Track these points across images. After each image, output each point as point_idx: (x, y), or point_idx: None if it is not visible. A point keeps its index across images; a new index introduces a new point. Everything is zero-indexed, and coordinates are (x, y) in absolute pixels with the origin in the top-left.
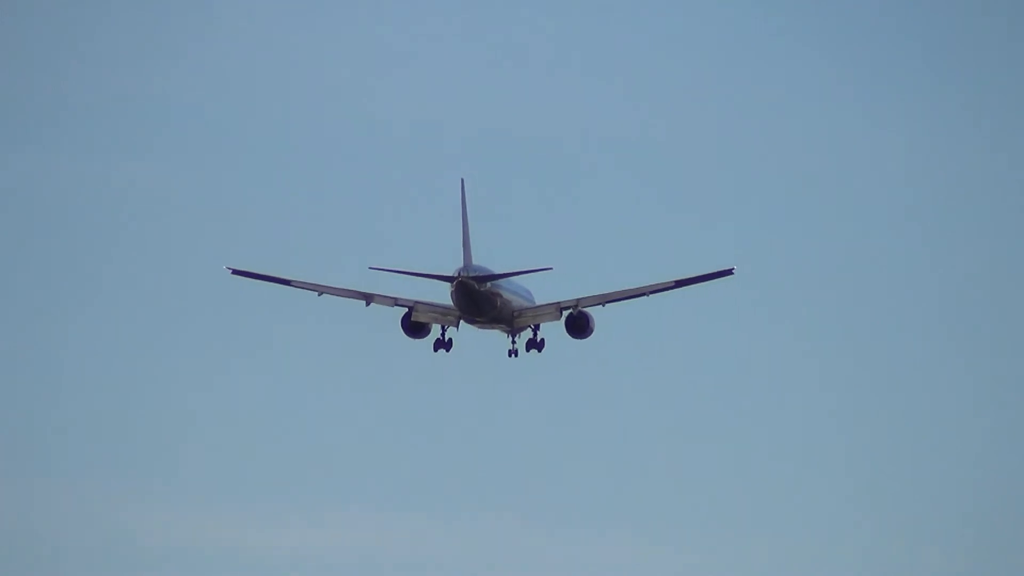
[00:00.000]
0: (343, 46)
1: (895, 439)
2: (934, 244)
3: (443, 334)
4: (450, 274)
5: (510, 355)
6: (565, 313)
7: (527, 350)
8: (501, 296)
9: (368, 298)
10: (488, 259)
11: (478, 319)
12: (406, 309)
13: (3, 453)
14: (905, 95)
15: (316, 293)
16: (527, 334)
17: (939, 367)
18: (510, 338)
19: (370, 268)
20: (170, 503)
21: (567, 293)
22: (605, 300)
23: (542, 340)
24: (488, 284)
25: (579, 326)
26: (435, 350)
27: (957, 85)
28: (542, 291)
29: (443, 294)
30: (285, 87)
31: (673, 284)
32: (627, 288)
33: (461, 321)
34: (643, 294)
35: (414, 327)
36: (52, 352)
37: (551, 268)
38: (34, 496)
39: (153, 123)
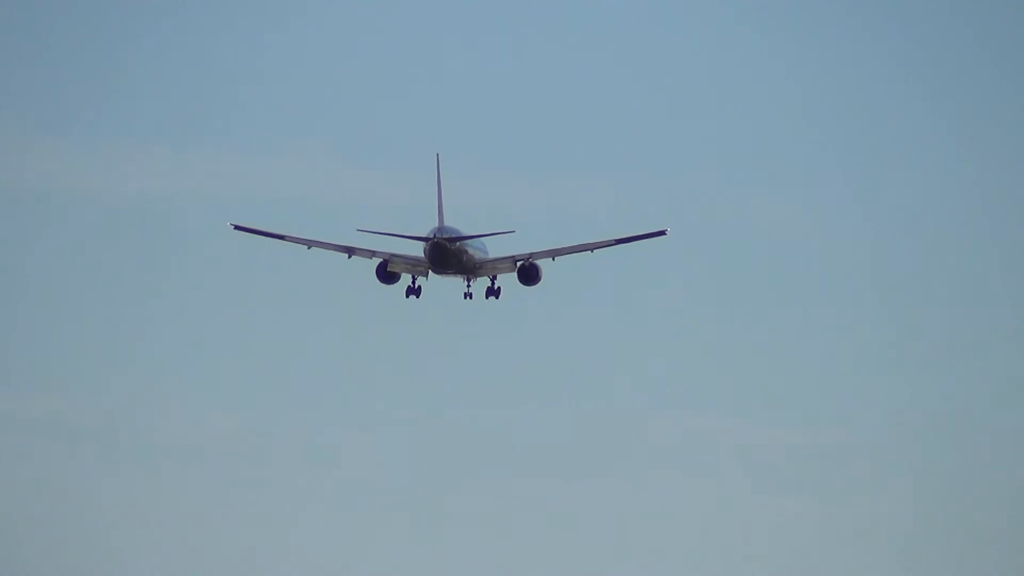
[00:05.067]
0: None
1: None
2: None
3: (413, 282)
4: (426, 235)
5: (465, 297)
6: (519, 264)
7: (486, 297)
8: (467, 252)
9: (350, 251)
10: (454, 219)
11: (446, 271)
12: (382, 260)
13: None
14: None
15: (306, 247)
16: (484, 282)
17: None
18: (466, 283)
19: (358, 230)
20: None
21: (520, 249)
22: (554, 254)
23: (499, 288)
24: (458, 243)
25: (530, 275)
26: (406, 296)
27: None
28: (499, 246)
29: (414, 248)
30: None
31: (614, 242)
32: (574, 244)
33: (430, 272)
34: (587, 249)
35: (387, 276)
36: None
37: (514, 231)
38: None
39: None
